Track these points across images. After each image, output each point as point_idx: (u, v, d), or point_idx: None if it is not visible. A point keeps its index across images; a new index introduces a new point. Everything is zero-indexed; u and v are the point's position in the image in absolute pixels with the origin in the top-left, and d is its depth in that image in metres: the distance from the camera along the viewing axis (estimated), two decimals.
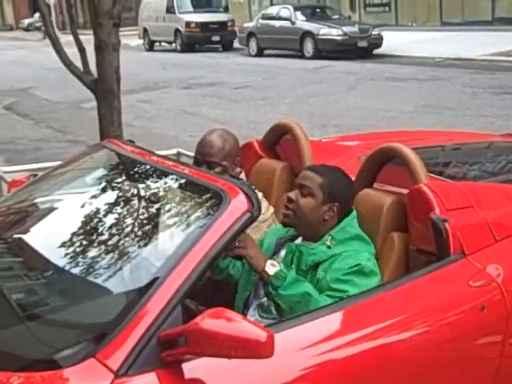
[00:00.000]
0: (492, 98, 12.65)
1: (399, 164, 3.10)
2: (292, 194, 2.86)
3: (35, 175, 3.54)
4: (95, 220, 2.72)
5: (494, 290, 2.65)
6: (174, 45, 27.55)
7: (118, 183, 2.98)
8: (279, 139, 3.84)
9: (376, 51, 21.86)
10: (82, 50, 6.09)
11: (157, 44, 29.26)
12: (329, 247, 2.78)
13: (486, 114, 11.12)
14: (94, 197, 2.90)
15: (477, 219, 2.82)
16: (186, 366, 2.06)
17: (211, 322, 1.98)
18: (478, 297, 2.63)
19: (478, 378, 2.67)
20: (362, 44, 21.51)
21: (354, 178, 3.26)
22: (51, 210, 3.03)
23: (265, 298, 2.81)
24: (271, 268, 2.60)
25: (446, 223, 2.69)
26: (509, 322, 2.65)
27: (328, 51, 21.46)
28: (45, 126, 12.01)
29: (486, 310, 2.60)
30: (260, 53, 24.09)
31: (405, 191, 2.98)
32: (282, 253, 2.92)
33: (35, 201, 3.14)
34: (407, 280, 2.64)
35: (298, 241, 2.93)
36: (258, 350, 1.94)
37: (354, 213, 2.90)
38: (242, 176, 3.48)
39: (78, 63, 6.13)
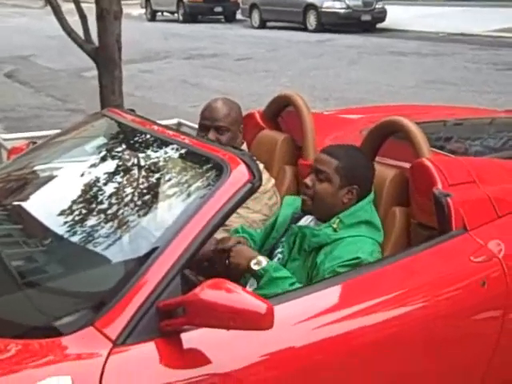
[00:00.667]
0: (495, 74, 12.59)
1: (402, 138, 3.07)
2: (308, 180, 2.81)
3: (34, 143, 3.51)
4: (95, 189, 2.70)
5: (494, 266, 2.64)
6: (176, 15, 27.35)
7: (118, 152, 2.96)
8: (281, 111, 3.81)
9: (379, 25, 21.75)
10: (83, 18, 6.05)
11: (159, 14, 29.03)
12: (334, 230, 2.73)
13: (489, 90, 11.07)
14: (94, 165, 2.87)
15: (479, 194, 2.80)
16: (184, 336, 2.05)
17: (210, 292, 1.96)
18: (479, 272, 2.62)
19: (477, 354, 2.67)
20: (366, 18, 21.39)
21: None
22: (51, 177, 3.01)
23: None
24: (256, 266, 2.62)
25: (448, 198, 2.67)
26: (509, 297, 2.64)
27: (331, 24, 21.33)
28: (45, 95, 11.96)
29: (487, 286, 2.59)
30: (263, 25, 23.94)
31: (407, 165, 2.95)
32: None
33: (35, 168, 3.12)
34: (408, 254, 2.63)
35: (306, 218, 2.91)
36: (257, 322, 1.92)
37: (371, 196, 2.84)
38: (244, 147, 3.46)
39: (80, 32, 6.08)
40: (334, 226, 2.75)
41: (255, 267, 2.61)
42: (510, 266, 2.65)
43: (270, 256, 2.88)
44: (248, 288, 2.75)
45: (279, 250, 2.88)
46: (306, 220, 2.89)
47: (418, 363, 2.52)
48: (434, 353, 2.54)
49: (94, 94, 6.42)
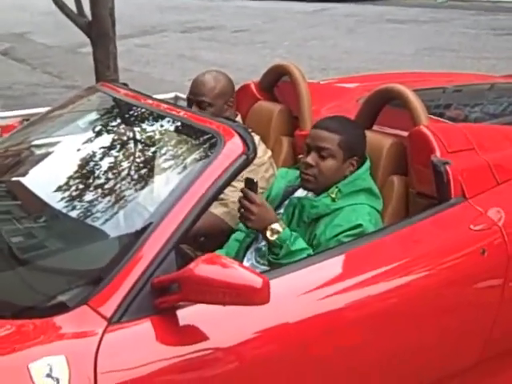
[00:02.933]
0: (494, 40, 12.50)
1: (399, 106, 3.03)
2: (310, 160, 2.72)
3: (27, 120, 3.48)
4: (88, 164, 2.67)
5: (494, 234, 2.61)
6: None
7: (111, 126, 2.93)
8: (277, 81, 3.75)
9: None
10: None
11: None
12: (333, 200, 2.70)
13: (488, 55, 10.98)
14: (88, 141, 2.84)
15: (478, 162, 2.76)
16: (180, 313, 2.02)
17: (205, 267, 1.92)
18: (479, 240, 2.59)
19: (478, 322, 2.65)
20: None
21: None
22: (45, 153, 2.97)
23: (263, 243, 2.76)
24: (272, 236, 2.53)
25: (446, 166, 2.63)
26: (509, 265, 2.62)
27: None
28: (41, 71, 11.88)
29: (487, 254, 2.56)
30: None
31: (405, 134, 2.91)
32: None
33: (29, 144, 3.08)
34: (407, 224, 2.59)
35: (302, 190, 2.86)
36: (253, 297, 1.88)
37: (368, 164, 2.80)
38: (239, 118, 3.43)
39: (73, 6, 6.02)
40: (333, 195, 2.71)
41: (272, 238, 2.53)
42: (510, 233, 2.62)
43: None
44: (245, 263, 2.73)
45: None
46: (303, 192, 2.85)
47: (419, 332, 2.50)
48: (435, 321, 2.52)
49: (90, 70, 6.36)
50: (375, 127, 3.16)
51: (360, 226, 2.59)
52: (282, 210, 2.83)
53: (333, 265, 2.38)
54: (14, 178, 2.83)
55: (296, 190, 2.88)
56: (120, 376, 1.90)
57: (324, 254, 2.42)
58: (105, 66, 5.92)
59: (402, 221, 2.67)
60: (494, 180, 2.75)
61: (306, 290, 2.26)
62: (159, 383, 1.96)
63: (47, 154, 2.94)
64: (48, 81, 11.02)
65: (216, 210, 3.04)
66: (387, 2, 20.08)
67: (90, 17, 5.91)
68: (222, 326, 2.07)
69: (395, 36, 13.66)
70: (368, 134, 2.98)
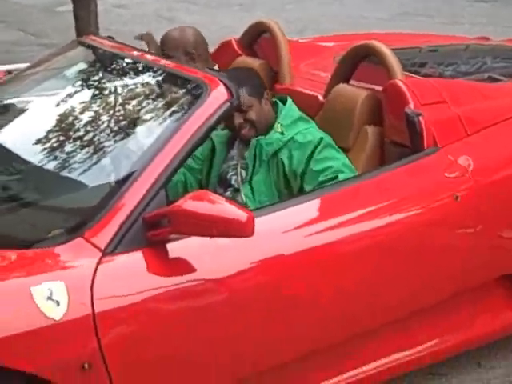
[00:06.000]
0: (469, 6, 12.58)
1: (376, 62, 3.14)
2: (238, 120, 2.86)
3: (10, 72, 3.52)
4: (83, 115, 2.75)
5: (466, 181, 2.75)
6: None
7: (98, 78, 3.00)
8: (257, 37, 3.85)
9: None
10: None
11: None
12: (282, 133, 2.87)
13: (463, 21, 11.08)
14: (76, 92, 2.92)
15: (449, 114, 2.89)
16: (170, 246, 2.16)
17: (193, 203, 2.07)
18: (452, 187, 2.73)
19: (449, 265, 2.78)
20: None
21: (329, 77, 3.32)
22: (32, 108, 3.03)
23: (238, 197, 2.90)
24: None
25: (419, 117, 2.76)
26: (479, 210, 2.77)
27: None
28: (17, 29, 11.76)
29: (460, 199, 2.71)
30: None
31: (380, 88, 3.03)
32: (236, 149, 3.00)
33: (11, 100, 3.12)
34: (384, 170, 2.74)
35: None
36: (238, 230, 2.04)
37: (290, 98, 2.99)
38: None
39: None
40: (279, 130, 2.89)
41: None
42: (480, 180, 2.77)
43: (225, 182, 2.96)
44: None
45: (231, 173, 2.95)
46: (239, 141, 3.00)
47: (398, 267, 2.65)
48: (412, 261, 2.67)
49: (67, 29, 6.37)
50: (352, 82, 3.27)
51: (321, 138, 2.81)
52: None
53: (312, 206, 2.54)
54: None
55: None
56: (114, 302, 2.05)
57: (305, 196, 2.58)
58: (86, 23, 5.95)
59: (379, 168, 2.80)
60: (464, 131, 2.89)
61: (289, 228, 2.42)
62: (150, 310, 2.11)
63: (39, 108, 3.01)
64: (24, 39, 10.90)
65: None
66: None
67: None
68: (209, 259, 2.22)
69: (371, 1, 13.71)
70: (344, 86, 3.12)
